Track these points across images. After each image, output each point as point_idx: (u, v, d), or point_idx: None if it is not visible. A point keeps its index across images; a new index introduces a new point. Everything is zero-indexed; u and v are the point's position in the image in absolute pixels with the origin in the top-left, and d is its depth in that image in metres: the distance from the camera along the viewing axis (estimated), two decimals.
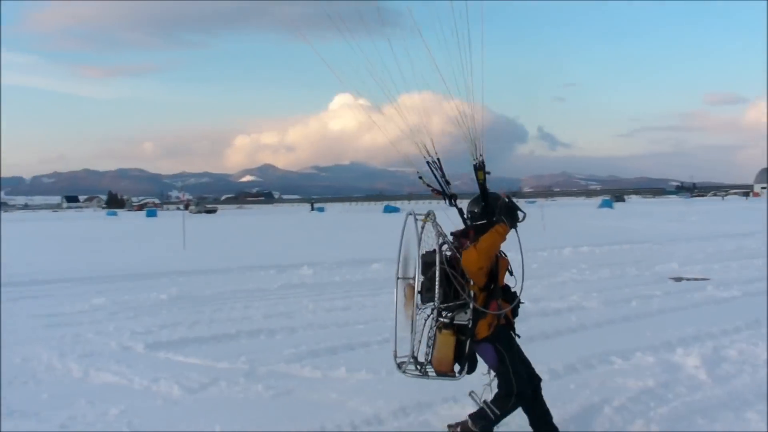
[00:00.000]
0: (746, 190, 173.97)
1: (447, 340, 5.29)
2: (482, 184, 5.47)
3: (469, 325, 5.26)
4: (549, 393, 5.74)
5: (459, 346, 5.30)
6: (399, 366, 5.41)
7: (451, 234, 5.52)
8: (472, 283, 5.27)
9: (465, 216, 5.62)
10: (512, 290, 5.50)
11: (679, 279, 14.75)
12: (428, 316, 5.37)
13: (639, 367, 7.75)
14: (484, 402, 5.39)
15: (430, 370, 5.39)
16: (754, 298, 12.01)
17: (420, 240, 5.27)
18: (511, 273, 5.54)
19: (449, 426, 5.56)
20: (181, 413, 6.59)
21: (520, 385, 5.29)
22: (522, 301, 5.47)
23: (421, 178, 5.76)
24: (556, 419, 5.62)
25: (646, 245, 23.33)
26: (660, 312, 11.03)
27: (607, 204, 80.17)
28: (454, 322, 5.33)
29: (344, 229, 43.40)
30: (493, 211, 5.34)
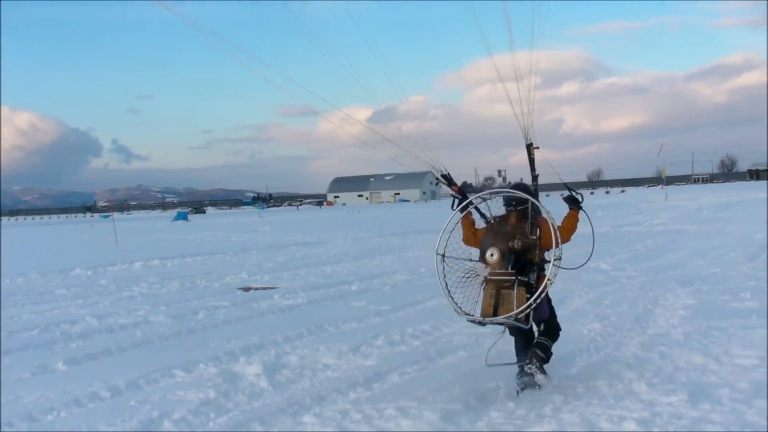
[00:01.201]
0: (320, 200, 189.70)
1: (522, 295, 6.23)
2: (532, 161, 7.19)
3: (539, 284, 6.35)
4: (110, 411, 5.72)
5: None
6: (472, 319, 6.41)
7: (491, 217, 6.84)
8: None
9: (505, 203, 6.80)
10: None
11: (247, 289, 15.17)
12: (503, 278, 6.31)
13: (201, 378, 7.71)
14: (541, 337, 6.82)
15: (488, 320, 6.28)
16: (319, 304, 12.73)
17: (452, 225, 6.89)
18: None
19: (524, 364, 6.64)
20: None
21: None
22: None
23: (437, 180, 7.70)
24: None
25: (218, 256, 23.71)
26: (226, 322, 11.14)
27: (182, 216, 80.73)
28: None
29: None
30: (574, 200, 6.88)
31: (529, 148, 7.18)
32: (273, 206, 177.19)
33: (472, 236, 6.88)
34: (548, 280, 6.37)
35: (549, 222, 6.48)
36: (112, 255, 25.58)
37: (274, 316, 11.74)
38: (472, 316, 6.44)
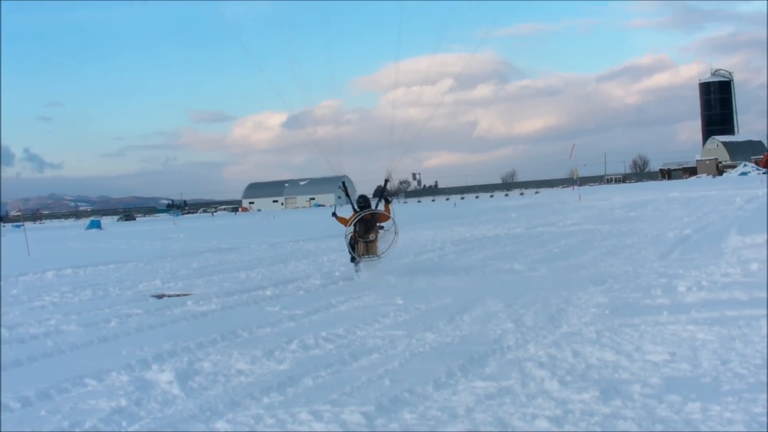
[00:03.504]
0: (235, 206, 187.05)
1: (376, 245, 14.17)
2: (384, 187, 14.30)
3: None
4: (20, 422, 5.83)
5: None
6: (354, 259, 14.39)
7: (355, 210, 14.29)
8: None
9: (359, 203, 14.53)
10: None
11: (161, 296, 15.08)
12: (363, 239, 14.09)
13: (113, 387, 7.73)
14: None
15: (368, 258, 14.23)
16: (232, 310, 12.76)
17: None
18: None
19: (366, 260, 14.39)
20: None
21: None
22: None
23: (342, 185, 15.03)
24: None
25: (131, 264, 23.39)
26: (138, 330, 11.12)
27: (95, 225, 78.67)
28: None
29: None
30: (382, 198, 14.29)
31: (386, 182, 14.83)
32: (188, 213, 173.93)
33: (345, 223, 14.03)
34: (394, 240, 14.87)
35: (381, 211, 13.53)
36: (24, 264, 24.90)
37: (188, 323, 11.75)
38: (359, 257, 14.19)
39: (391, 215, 14.18)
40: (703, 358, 7.47)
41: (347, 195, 14.04)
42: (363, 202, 14.45)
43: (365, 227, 13.33)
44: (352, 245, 14.08)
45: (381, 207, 14.62)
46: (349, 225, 13.04)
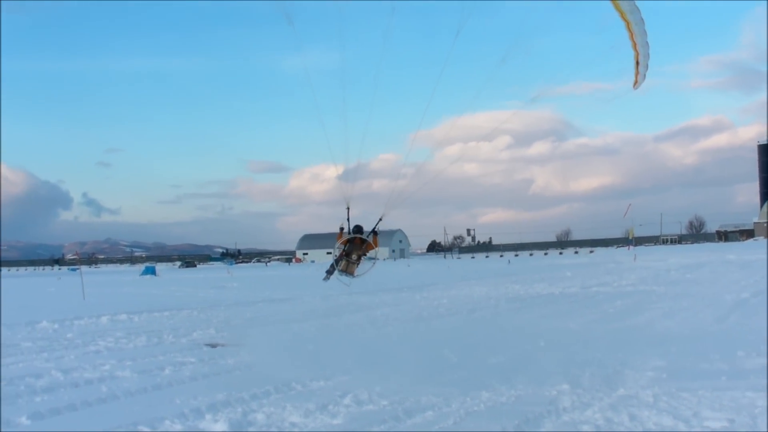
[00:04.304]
0: (289, 257, 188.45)
1: (354, 266, 14.07)
2: (375, 227, 14.49)
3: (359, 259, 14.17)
4: None
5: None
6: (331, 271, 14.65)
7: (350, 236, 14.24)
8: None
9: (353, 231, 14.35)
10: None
11: (215, 345, 15.08)
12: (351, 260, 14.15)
13: None
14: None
15: (346, 276, 14.17)
16: (286, 362, 12.53)
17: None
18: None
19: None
20: None
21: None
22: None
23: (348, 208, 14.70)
24: None
25: (185, 312, 23.55)
26: (192, 379, 11.10)
27: (150, 271, 79.94)
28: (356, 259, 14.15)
29: None
30: (372, 231, 14.41)
31: (380, 219, 14.96)
32: (241, 262, 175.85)
33: (339, 238, 14.29)
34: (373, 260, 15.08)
35: (369, 241, 14.17)
36: (79, 308, 25.32)
37: (241, 373, 11.68)
38: (338, 271, 14.45)
39: (376, 247, 16.12)
40: (763, 426, 7.23)
41: (348, 219, 15.34)
42: (357, 230, 16.12)
43: (353, 249, 15.20)
44: (337, 260, 15.66)
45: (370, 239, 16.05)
46: (340, 242, 14.85)
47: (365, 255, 15.20)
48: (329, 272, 15.19)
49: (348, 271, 15.28)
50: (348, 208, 16.66)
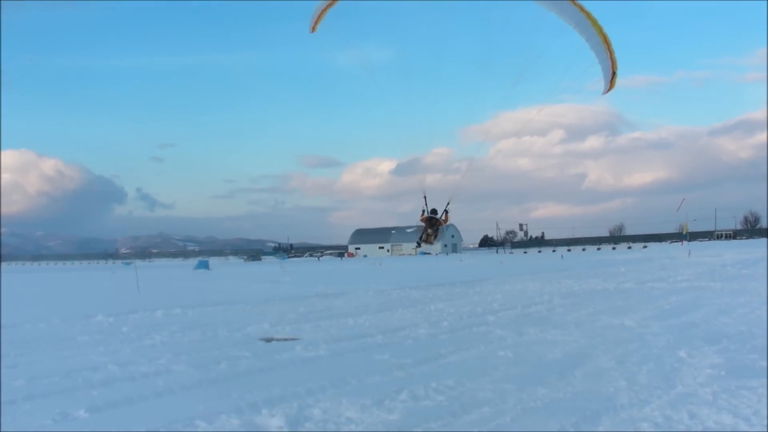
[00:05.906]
0: (341, 251, 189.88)
1: (432, 237, 22.48)
2: (434, 212, 22.53)
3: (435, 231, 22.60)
4: None
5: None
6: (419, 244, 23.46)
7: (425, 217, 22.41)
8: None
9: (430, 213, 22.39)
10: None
11: (269, 339, 15.07)
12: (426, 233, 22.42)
13: (223, 429, 7.64)
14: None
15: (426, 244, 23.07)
16: (341, 357, 12.52)
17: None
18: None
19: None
20: None
21: None
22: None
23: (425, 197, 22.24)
24: None
25: (239, 306, 23.68)
26: (248, 373, 11.04)
27: (203, 265, 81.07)
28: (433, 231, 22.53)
29: None
30: (444, 211, 22.34)
31: (446, 207, 22.24)
32: (294, 257, 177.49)
33: (422, 217, 21.25)
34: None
35: (440, 219, 21.54)
36: (134, 302, 25.70)
37: (296, 368, 11.56)
38: (422, 242, 22.65)
39: (447, 223, 22.34)
40: None
41: (426, 203, 21.82)
42: (433, 212, 22.15)
43: (430, 224, 20.77)
44: (420, 236, 21.57)
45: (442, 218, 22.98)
46: (421, 219, 20.95)
47: (440, 228, 21.07)
48: (418, 244, 22.37)
49: (428, 242, 21.68)
50: (425, 197, 23.23)
